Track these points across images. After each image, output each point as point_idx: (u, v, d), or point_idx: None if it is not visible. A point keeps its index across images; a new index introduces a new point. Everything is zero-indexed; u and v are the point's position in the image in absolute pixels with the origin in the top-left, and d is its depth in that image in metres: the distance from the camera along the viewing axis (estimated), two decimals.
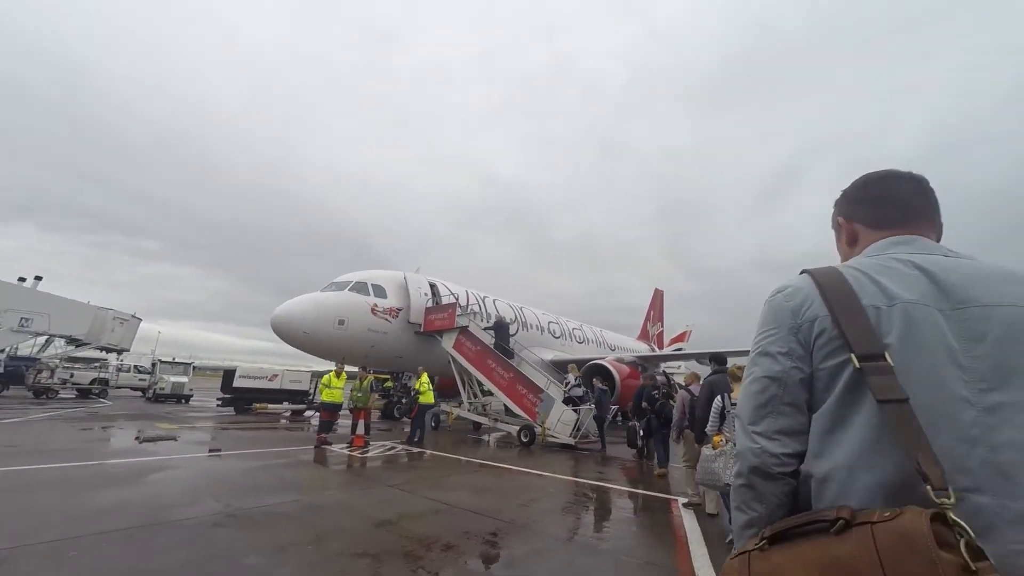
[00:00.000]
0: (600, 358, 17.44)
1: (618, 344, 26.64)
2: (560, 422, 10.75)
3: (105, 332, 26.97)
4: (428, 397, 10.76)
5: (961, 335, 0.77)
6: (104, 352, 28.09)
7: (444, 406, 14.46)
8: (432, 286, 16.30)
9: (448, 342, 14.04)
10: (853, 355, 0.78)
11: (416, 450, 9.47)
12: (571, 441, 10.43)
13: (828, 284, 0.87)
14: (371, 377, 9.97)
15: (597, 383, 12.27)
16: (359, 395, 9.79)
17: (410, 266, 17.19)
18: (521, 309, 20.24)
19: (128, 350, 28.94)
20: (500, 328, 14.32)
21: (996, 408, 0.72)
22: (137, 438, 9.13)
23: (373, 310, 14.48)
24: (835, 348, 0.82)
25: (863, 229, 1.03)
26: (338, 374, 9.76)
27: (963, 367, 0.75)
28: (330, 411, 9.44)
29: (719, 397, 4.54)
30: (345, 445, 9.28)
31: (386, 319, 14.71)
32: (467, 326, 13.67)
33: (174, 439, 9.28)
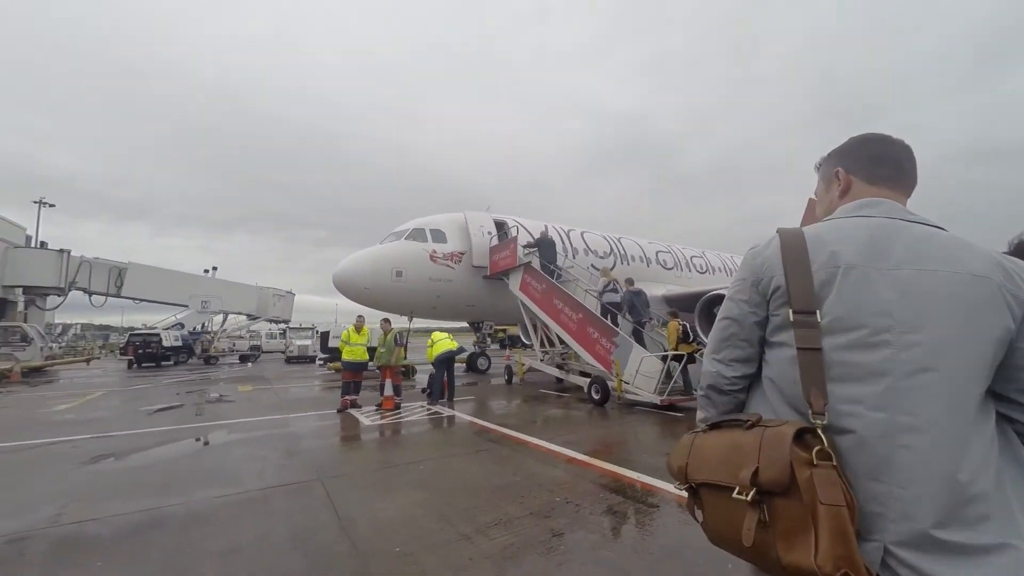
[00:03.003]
0: (725, 288, 13.26)
1: None
2: (640, 373, 7.78)
3: (269, 307, 31.96)
4: (439, 346, 8.84)
5: (894, 290, 0.90)
6: (272, 324, 33.65)
7: (514, 356, 12.47)
8: (500, 224, 14.06)
9: (515, 283, 11.80)
10: (791, 310, 0.96)
11: (447, 412, 7.71)
12: (655, 399, 7.43)
13: (788, 247, 1.01)
14: (395, 330, 8.32)
15: (627, 286, 9.98)
16: (382, 351, 8.32)
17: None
18: (619, 240, 16.78)
19: (289, 320, 34.02)
20: (543, 245, 11.66)
21: (909, 345, 0.87)
22: (203, 401, 9.21)
23: (432, 257, 12.97)
24: (784, 302, 0.99)
25: (858, 183, 1.12)
26: (358, 328, 8.40)
27: (892, 315, 0.89)
28: (352, 371, 8.19)
29: None
30: (374, 409, 7.98)
31: (448, 265, 13.11)
32: (530, 262, 11.20)
33: (233, 401, 9.19)
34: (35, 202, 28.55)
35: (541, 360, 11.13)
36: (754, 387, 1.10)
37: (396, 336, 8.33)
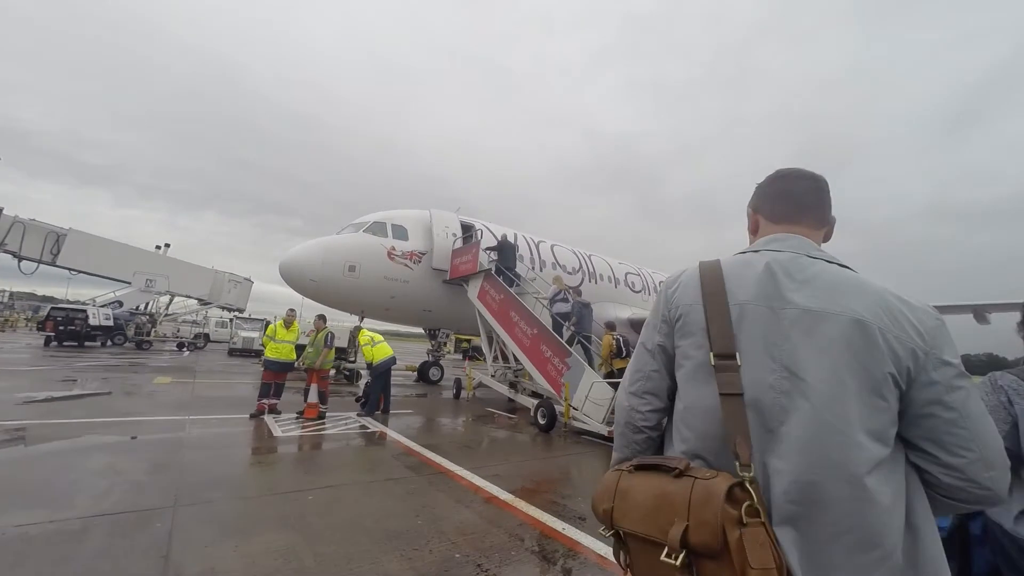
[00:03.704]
0: None
1: None
2: (589, 400, 7.19)
3: (223, 293, 30.11)
4: (376, 352, 8.03)
5: (778, 331, 0.89)
6: (224, 311, 31.64)
7: (465, 370, 11.74)
8: (467, 227, 13.40)
9: (473, 290, 11.12)
10: (712, 353, 0.92)
11: (375, 427, 6.90)
12: (603, 429, 6.85)
13: (707, 279, 0.99)
14: (327, 330, 7.48)
15: (575, 296, 9.65)
16: (310, 351, 7.47)
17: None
18: (589, 257, 16.36)
19: (243, 309, 32.04)
20: (504, 250, 11.07)
21: (789, 392, 0.86)
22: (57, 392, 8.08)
23: (390, 254, 12.16)
24: (688, 333, 0.98)
25: (763, 221, 1.12)
26: (287, 324, 7.52)
27: (775, 358, 0.88)
28: (274, 371, 7.29)
29: None
30: (294, 416, 7.10)
31: (406, 264, 12.31)
32: (491, 269, 10.55)
33: (135, 393, 8.10)
34: None
35: (492, 376, 10.43)
36: (669, 424, 1.06)
37: (327, 336, 7.48)
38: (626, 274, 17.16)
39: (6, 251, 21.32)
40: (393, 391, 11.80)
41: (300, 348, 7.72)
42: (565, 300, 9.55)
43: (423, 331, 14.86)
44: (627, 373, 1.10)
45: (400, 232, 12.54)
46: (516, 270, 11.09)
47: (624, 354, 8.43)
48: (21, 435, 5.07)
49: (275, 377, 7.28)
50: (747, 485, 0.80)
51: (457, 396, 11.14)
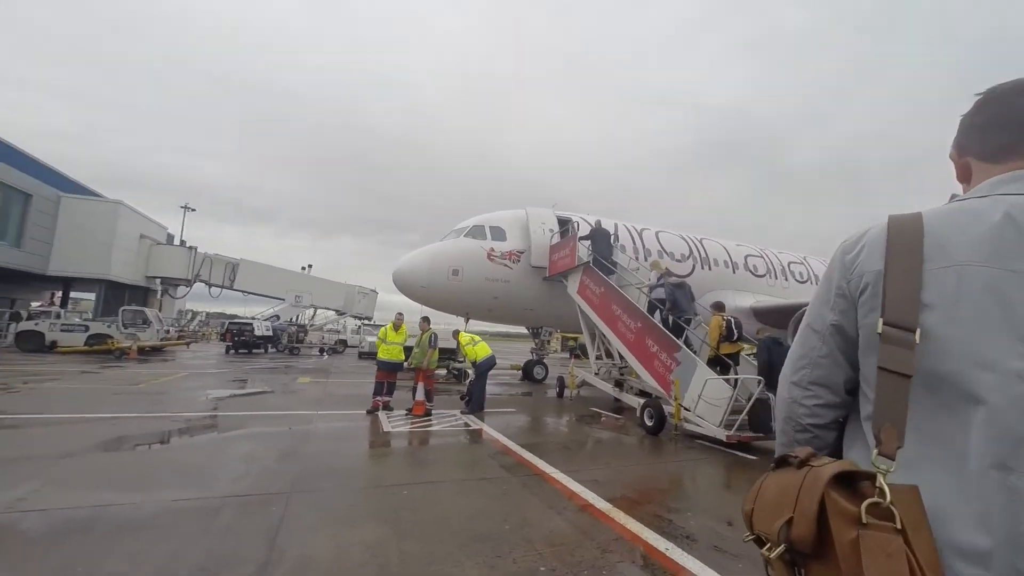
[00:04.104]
0: None
1: None
2: (703, 399, 6.35)
3: (354, 303, 34.27)
4: (478, 350, 8.12)
5: None
6: (357, 320, 35.86)
7: (569, 368, 11.37)
8: (564, 222, 13.10)
9: (573, 286, 10.81)
10: (881, 320, 0.74)
11: (477, 424, 6.98)
12: (721, 434, 5.98)
13: (899, 235, 0.78)
14: (430, 331, 7.82)
15: (666, 277, 8.80)
16: (416, 352, 7.86)
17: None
18: (701, 242, 14.86)
19: (371, 317, 36.11)
20: (597, 237, 10.51)
21: None
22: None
23: (489, 255, 12.43)
24: (876, 306, 0.77)
25: (976, 163, 0.86)
26: (396, 327, 8.03)
27: None
28: (386, 370, 7.83)
29: None
30: (403, 413, 7.56)
31: (506, 265, 12.47)
32: (589, 262, 10.11)
33: (280, 392, 9.46)
34: (181, 207, 33.90)
35: (595, 373, 9.95)
36: (851, 428, 0.86)
37: (431, 337, 7.82)
38: (746, 257, 15.19)
39: (200, 280, 27.07)
40: (499, 389, 12.13)
41: (409, 349, 8.23)
42: (662, 285, 8.78)
43: (526, 330, 14.92)
44: (789, 359, 0.93)
45: (498, 233, 12.75)
46: (614, 259, 10.52)
47: (735, 337, 7.42)
48: (198, 425, 6.16)
49: (386, 376, 7.83)
50: (881, 480, 0.64)
51: (560, 395, 10.87)
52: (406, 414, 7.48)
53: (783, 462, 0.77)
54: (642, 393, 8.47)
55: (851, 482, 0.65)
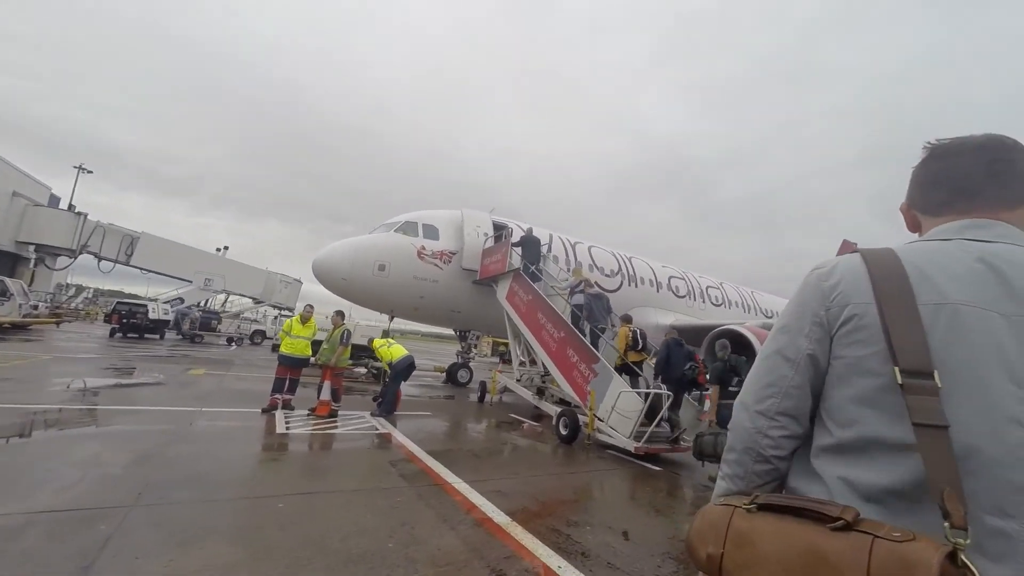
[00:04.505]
0: (739, 324, 11.70)
1: (778, 309, 19.10)
2: (616, 411, 6.43)
3: (275, 292, 31.75)
4: (393, 352, 7.67)
5: (1020, 344, 0.67)
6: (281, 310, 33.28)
7: (491, 372, 11.20)
8: (500, 227, 12.97)
9: (502, 291, 10.65)
10: (897, 369, 0.69)
11: (385, 428, 6.52)
12: (630, 445, 6.07)
13: (880, 271, 0.75)
14: (343, 327, 7.24)
15: (586, 288, 9.05)
16: (325, 348, 7.25)
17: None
18: (630, 260, 15.41)
19: (292, 308, 33.72)
20: (528, 244, 10.62)
21: None
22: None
23: (420, 254, 11.95)
24: (859, 340, 0.75)
25: (921, 217, 0.89)
26: (304, 319, 7.35)
27: (1020, 382, 0.65)
28: (288, 366, 7.12)
29: None
30: (306, 413, 6.89)
31: (436, 264, 12.06)
32: (520, 269, 10.02)
33: (160, 383, 8.28)
34: (75, 167, 29.40)
35: (518, 380, 9.84)
36: (799, 458, 0.83)
37: (343, 334, 7.23)
38: (670, 278, 16.01)
39: (88, 252, 23.58)
40: (419, 392, 11.63)
41: (319, 344, 7.56)
42: (582, 292, 8.98)
43: (453, 332, 14.57)
44: (751, 386, 0.88)
45: (431, 232, 12.33)
46: (542, 267, 10.60)
47: (640, 347, 7.77)
48: (42, 420, 5.12)
49: (289, 372, 7.11)
50: (962, 558, 0.56)
51: (481, 400, 10.63)
52: (308, 414, 6.83)
53: (788, 511, 0.67)
54: (561, 402, 8.47)
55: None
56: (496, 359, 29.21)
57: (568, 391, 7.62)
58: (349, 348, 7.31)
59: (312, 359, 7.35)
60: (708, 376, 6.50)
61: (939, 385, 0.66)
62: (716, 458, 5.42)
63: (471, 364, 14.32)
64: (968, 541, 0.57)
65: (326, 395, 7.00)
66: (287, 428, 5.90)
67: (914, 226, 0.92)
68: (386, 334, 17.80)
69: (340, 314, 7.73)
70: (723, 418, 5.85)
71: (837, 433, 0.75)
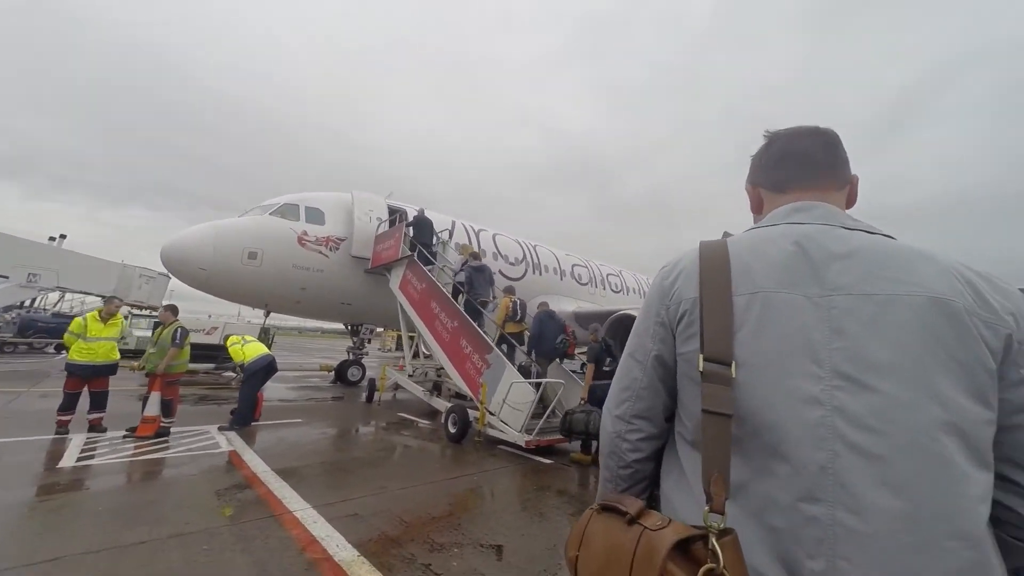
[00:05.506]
0: (636, 308, 12.05)
1: None
2: (507, 404, 5.98)
3: (132, 289, 26.83)
4: (247, 351, 6.54)
5: (826, 325, 0.67)
6: (142, 310, 28.29)
7: (379, 370, 10.28)
8: (396, 211, 11.93)
9: (395, 280, 9.71)
10: (701, 356, 0.71)
11: (228, 445, 5.36)
12: (520, 440, 5.65)
13: (709, 263, 0.77)
14: (176, 324, 5.85)
15: (471, 260, 8.96)
16: (152, 352, 5.80)
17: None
18: (535, 248, 15.27)
19: (157, 308, 28.95)
20: (420, 225, 10.13)
21: (843, 408, 0.62)
22: None
23: (301, 240, 10.49)
24: (692, 335, 0.75)
25: (767, 194, 0.93)
26: (105, 317, 5.75)
27: (820, 362, 0.66)
28: (81, 376, 5.47)
29: None
30: (124, 434, 5.43)
31: (321, 252, 10.70)
32: (414, 256, 9.17)
33: None
34: None
35: (410, 376, 9.03)
36: (668, 455, 0.84)
37: (176, 332, 5.81)
38: (573, 266, 16.19)
39: None
40: (297, 394, 10.25)
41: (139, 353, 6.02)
42: (466, 268, 8.78)
43: (344, 327, 13.25)
44: (612, 390, 0.88)
45: (315, 215, 10.92)
46: (435, 250, 10.01)
47: (519, 317, 7.93)
48: None
49: (84, 385, 5.51)
50: (713, 541, 0.58)
51: (369, 400, 9.65)
52: (125, 436, 5.39)
53: (611, 509, 0.71)
54: (458, 396, 7.87)
55: (685, 544, 0.59)
56: (400, 354, 27.89)
57: (460, 385, 7.02)
58: (186, 350, 5.90)
59: (142, 366, 5.83)
60: (586, 356, 6.65)
61: (732, 375, 0.68)
62: (587, 435, 5.18)
63: (363, 361, 13.11)
64: (720, 524, 0.59)
65: (153, 410, 5.57)
66: (78, 459, 4.50)
67: (758, 206, 0.93)
68: (266, 332, 15.80)
69: (172, 309, 6.25)
70: (596, 397, 5.81)
71: (691, 428, 0.76)
